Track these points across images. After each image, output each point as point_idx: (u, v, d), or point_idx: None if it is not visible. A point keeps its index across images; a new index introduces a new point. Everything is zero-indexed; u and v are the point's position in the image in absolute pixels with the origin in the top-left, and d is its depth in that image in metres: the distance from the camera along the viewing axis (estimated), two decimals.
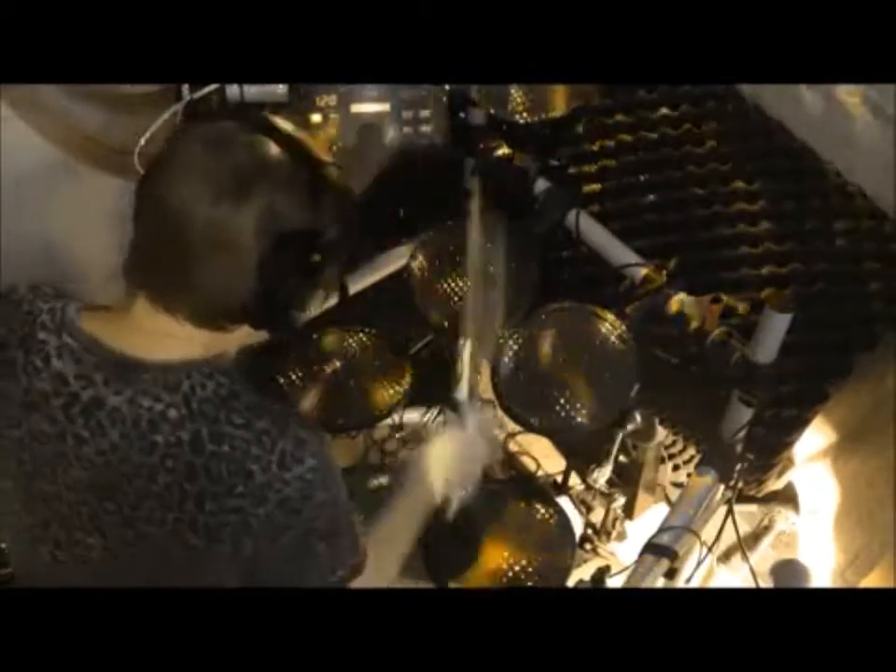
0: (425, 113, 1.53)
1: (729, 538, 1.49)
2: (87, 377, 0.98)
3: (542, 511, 1.62)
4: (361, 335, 1.80)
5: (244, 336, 1.03)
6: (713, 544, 1.44)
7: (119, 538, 1.01)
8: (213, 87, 1.43)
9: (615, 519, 1.81)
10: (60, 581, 1.06)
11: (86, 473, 0.99)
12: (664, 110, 1.65)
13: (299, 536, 1.01)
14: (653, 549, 1.38)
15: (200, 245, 0.92)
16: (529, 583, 1.53)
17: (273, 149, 0.95)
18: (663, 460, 1.81)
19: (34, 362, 0.99)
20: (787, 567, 1.77)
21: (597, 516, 1.83)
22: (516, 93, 1.58)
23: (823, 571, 1.82)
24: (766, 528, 1.83)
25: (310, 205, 0.96)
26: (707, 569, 1.75)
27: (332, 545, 1.04)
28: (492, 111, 1.59)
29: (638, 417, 1.62)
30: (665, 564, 1.37)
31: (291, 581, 1.03)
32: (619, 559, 1.77)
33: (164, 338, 0.99)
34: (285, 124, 1.00)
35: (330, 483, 1.03)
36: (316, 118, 1.50)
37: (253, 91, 1.44)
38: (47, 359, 0.99)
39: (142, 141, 1.32)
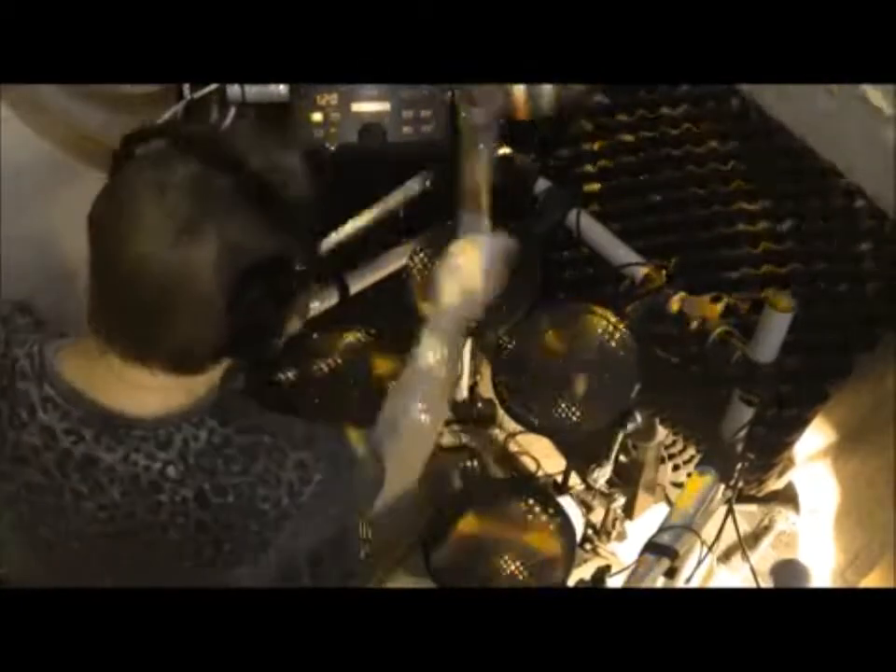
0: (425, 113, 1.53)
1: (729, 537, 1.48)
2: (76, 432, 0.94)
3: (542, 510, 1.61)
4: (361, 335, 1.79)
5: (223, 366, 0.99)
6: (713, 544, 1.44)
7: (133, 578, 1.01)
8: (213, 87, 1.43)
9: (615, 519, 1.81)
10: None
11: (90, 527, 0.97)
12: (664, 110, 1.65)
13: (314, 533, 1.02)
14: (654, 548, 1.37)
15: (163, 297, 0.88)
16: (529, 583, 1.53)
17: (215, 181, 0.88)
18: (663, 460, 1.81)
19: (20, 415, 0.95)
20: (787, 567, 1.77)
21: (597, 516, 1.83)
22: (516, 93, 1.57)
23: (823, 571, 1.82)
24: (766, 528, 1.83)
25: (267, 229, 0.90)
26: (707, 569, 1.75)
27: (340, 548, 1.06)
28: None
29: (639, 417, 1.62)
30: (665, 563, 1.37)
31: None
32: (619, 559, 1.77)
33: (144, 391, 0.94)
34: (223, 135, 0.97)
35: (341, 486, 1.04)
36: (317, 117, 1.50)
37: (253, 91, 1.44)
38: (32, 412, 0.95)
39: None
